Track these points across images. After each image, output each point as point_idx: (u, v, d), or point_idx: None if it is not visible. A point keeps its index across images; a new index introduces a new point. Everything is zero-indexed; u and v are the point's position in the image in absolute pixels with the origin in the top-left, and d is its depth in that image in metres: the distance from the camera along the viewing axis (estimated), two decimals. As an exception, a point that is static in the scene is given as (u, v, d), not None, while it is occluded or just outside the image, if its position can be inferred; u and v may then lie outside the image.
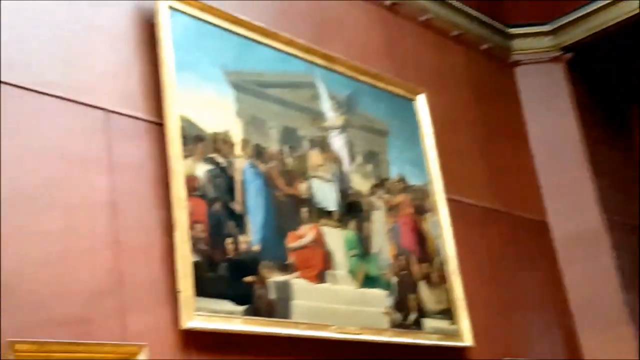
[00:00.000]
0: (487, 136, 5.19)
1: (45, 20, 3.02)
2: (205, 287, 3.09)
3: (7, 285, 2.56)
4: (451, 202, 4.51)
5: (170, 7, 3.38)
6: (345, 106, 4.18)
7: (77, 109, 2.99)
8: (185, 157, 3.21)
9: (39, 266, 2.68)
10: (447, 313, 4.17)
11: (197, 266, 3.09)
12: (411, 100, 4.60)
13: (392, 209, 4.20)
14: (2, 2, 2.87)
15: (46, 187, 2.80)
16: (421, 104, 4.62)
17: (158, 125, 3.22)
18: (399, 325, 3.88)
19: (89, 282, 2.81)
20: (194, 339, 3.02)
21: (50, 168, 2.83)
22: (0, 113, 2.72)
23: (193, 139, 3.29)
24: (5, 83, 2.78)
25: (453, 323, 4.15)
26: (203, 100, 3.40)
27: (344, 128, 4.13)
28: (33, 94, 2.86)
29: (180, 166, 3.17)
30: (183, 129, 3.24)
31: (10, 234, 2.63)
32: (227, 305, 3.16)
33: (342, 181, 4.00)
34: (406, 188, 4.34)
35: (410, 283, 4.06)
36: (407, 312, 3.96)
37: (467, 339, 4.17)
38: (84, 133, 2.99)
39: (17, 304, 2.57)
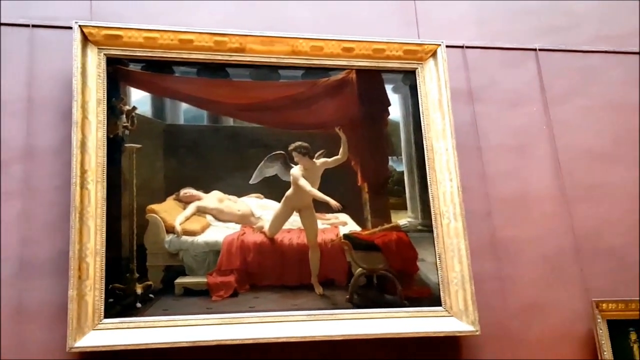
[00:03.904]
0: None
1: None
2: None
3: (583, 246, 2.55)
4: None
5: None
6: None
7: (625, 59, 2.80)
8: None
9: (614, 224, 2.60)
10: None
11: None
12: None
13: None
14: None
15: (608, 142, 2.70)
16: None
17: None
18: None
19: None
20: None
21: (607, 123, 2.72)
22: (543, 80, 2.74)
23: None
24: (546, 50, 2.76)
25: None
26: None
27: None
28: (577, 54, 2.78)
29: None
30: None
31: (578, 196, 2.61)
32: None
33: None
34: None
35: None
36: None
37: None
38: (636, 81, 2.79)
39: (596, 264, 2.54)
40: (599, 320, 2.41)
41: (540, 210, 2.58)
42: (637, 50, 2.82)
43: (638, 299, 2.46)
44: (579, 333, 2.45)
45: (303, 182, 2.43)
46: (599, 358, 2.38)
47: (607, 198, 2.63)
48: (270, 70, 2.49)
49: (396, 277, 2.39)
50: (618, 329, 2.42)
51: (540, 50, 2.75)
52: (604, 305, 2.43)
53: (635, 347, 2.43)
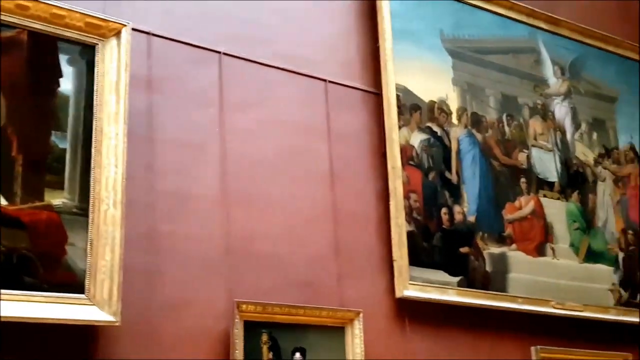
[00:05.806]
0: None
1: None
2: (419, 257, 2.92)
3: (235, 249, 2.56)
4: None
5: (389, -24, 3.18)
6: (570, 71, 3.76)
7: (299, 80, 2.92)
8: (402, 126, 3.04)
9: (266, 232, 2.66)
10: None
11: (411, 236, 2.91)
12: (644, 63, 4.02)
13: (619, 180, 3.74)
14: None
15: (273, 156, 2.76)
16: (655, 67, 4.02)
17: (375, 94, 3.06)
18: (626, 304, 3.47)
19: (311, 248, 2.74)
20: (407, 308, 2.86)
21: (275, 138, 2.79)
22: (223, 85, 2.72)
23: (409, 108, 3.10)
24: (230, 55, 2.75)
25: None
26: (420, 68, 3.19)
27: (567, 94, 3.71)
28: (258, 66, 2.82)
29: (397, 135, 2.99)
30: (400, 98, 3.06)
31: (238, 201, 2.62)
32: (442, 275, 2.97)
33: (565, 151, 3.61)
34: (636, 158, 3.83)
35: (639, 259, 3.60)
36: (635, 289, 3.51)
37: None
38: (305, 104, 2.91)
39: (244, 268, 2.57)
40: (236, 320, 2.43)
41: (202, 210, 2.54)
42: (307, 73, 2.94)
43: (274, 303, 2.53)
44: (218, 332, 2.45)
45: (-57, 144, 2.08)
46: (230, 357, 2.41)
47: (263, 207, 2.68)
48: None
49: (39, 259, 2.15)
50: (254, 330, 2.47)
51: (224, 54, 2.73)
52: (244, 306, 2.46)
53: (265, 347, 2.50)
